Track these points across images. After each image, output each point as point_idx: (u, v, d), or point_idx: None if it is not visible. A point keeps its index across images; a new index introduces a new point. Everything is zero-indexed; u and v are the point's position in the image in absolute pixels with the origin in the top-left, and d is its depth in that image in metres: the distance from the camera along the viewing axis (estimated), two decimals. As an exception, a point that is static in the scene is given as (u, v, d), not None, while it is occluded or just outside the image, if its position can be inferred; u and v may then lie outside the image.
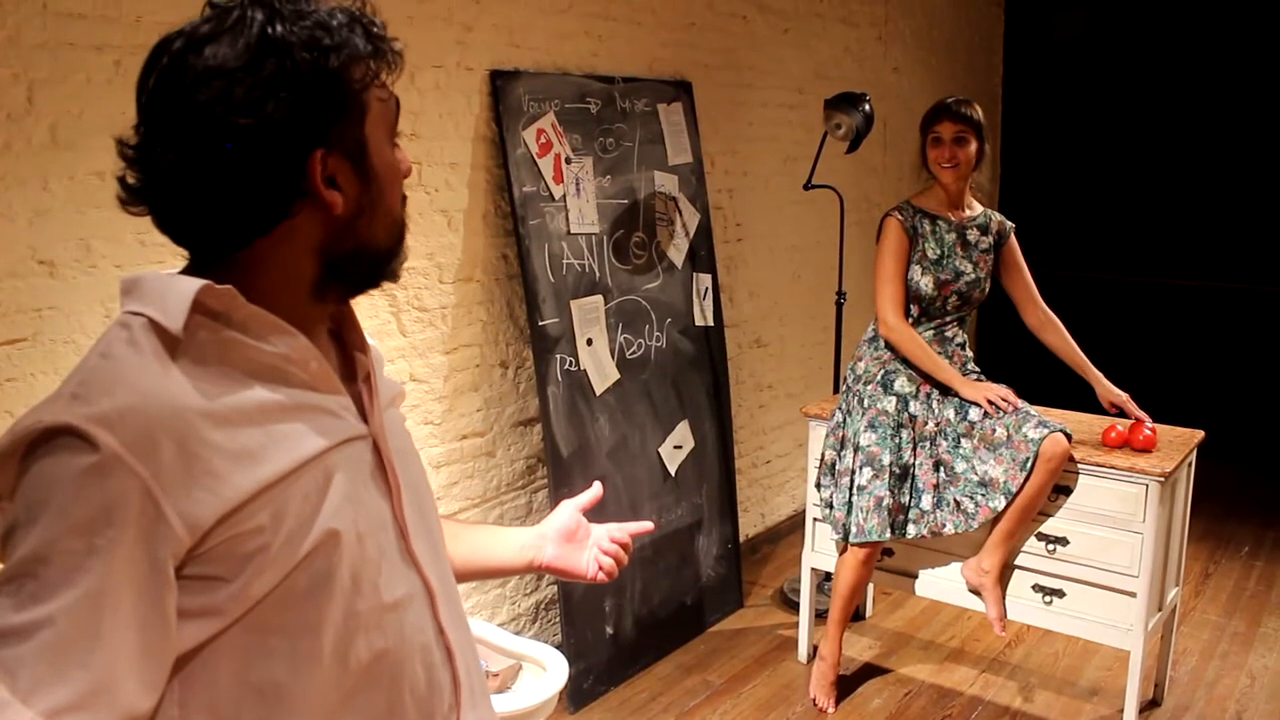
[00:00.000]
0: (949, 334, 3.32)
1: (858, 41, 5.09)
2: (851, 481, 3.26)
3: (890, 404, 3.24)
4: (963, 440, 3.20)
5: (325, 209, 0.98)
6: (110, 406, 0.88)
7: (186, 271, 1.00)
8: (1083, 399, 3.49)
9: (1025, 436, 3.06)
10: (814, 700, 3.43)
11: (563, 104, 3.38)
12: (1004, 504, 3.08)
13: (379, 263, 1.06)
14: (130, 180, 0.97)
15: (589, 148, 3.46)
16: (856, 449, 3.25)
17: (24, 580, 0.85)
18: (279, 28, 0.94)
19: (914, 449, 3.24)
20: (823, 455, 3.41)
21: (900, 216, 3.27)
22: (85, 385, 0.90)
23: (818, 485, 3.42)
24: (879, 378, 3.29)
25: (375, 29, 1.00)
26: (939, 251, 3.26)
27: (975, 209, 3.36)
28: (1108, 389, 3.35)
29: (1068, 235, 6.54)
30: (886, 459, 3.21)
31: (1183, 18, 6.08)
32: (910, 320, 3.28)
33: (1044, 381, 3.70)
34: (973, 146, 3.23)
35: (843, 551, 3.35)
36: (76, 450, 0.86)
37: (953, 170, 3.24)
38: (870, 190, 5.31)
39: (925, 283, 3.23)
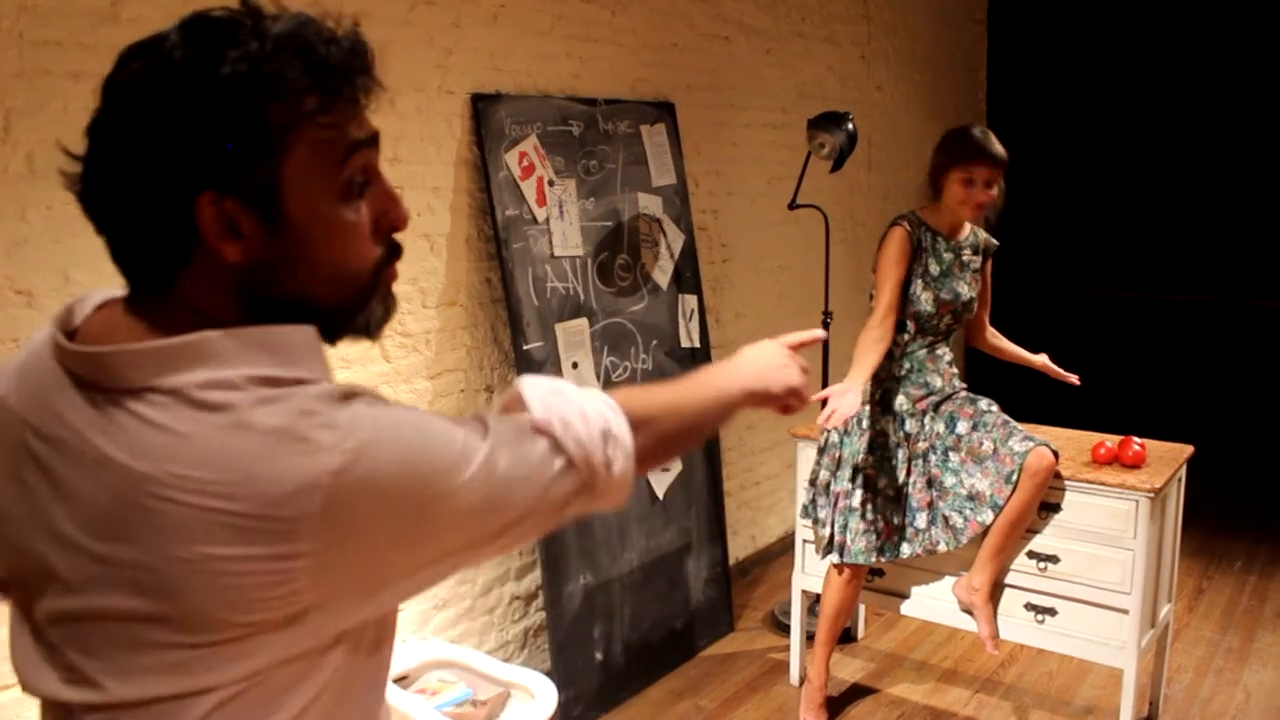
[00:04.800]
0: (939, 352, 3.30)
1: (840, 61, 5.10)
2: (846, 502, 3.24)
3: (889, 423, 3.23)
4: (950, 454, 3.19)
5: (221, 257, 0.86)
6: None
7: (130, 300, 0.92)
8: (1071, 416, 3.49)
9: (1011, 450, 3.05)
10: None
11: (545, 126, 3.37)
12: (992, 518, 3.07)
13: (331, 319, 0.93)
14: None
15: (572, 170, 3.45)
16: (855, 470, 3.23)
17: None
18: (185, 52, 0.82)
19: (908, 467, 3.23)
20: (816, 475, 3.38)
21: (907, 228, 3.19)
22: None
23: (811, 504, 3.39)
24: (877, 397, 3.25)
25: (315, 56, 0.85)
26: (939, 269, 3.24)
27: (967, 228, 3.34)
28: (1034, 358, 3.48)
29: (1056, 252, 6.56)
30: (882, 482, 3.20)
31: (1167, 34, 6.12)
32: (907, 336, 3.24)
33: (1032, 398, 3.70)
34: (997, 188, 3.14)
35: (829, 571, 3.34)
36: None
37: (975, 211, 3.16)
38: (855, 209, 5.31)
39: (926, 299, 3.20)
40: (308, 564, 0.80)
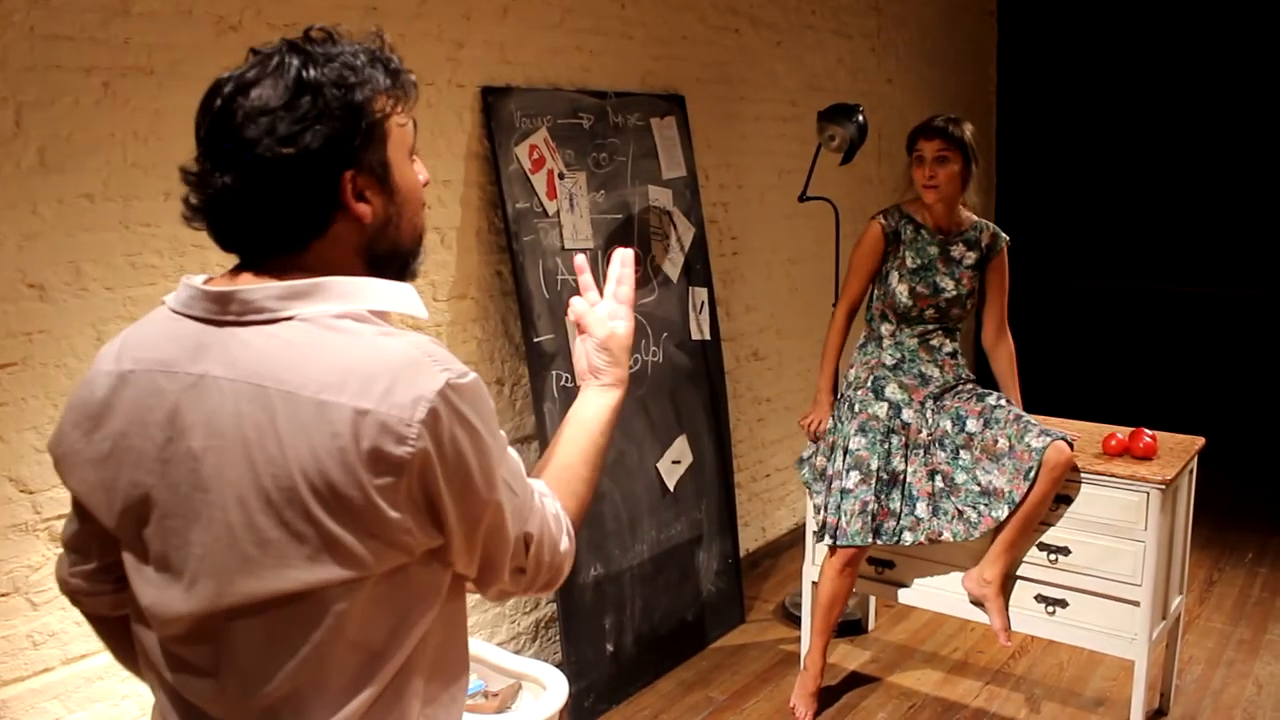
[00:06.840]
0: (934, 343, 3.31)
1: (851, 53, 5.09)
2: (839, 484, 3.26)
3: (881, 409, 3.24)
4: (962, 452, 3.18)
5: (358, 219, 1.14)
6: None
7: (238, 269, 1.15)
8: (1082, 408, 3.48)
9: (1028, 446, 3.04)
10: (793, 709, 3.40)
11: (555, 119, 3.37)
12: (1007, 513, 3.06)
13: (407, 261, 1.23)
14: (192, 200, 1.12)
15: (582, 163, 3.45)
16: (846, 452, 3.25)
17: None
18: (312, 71, 1.09)
19: (906, 456, 3.23)
20: (814, 458, 3.42)
21: (884, 221, 3.30)
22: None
23: (809, 482, 3.44)
24: (869, 383, 3.30)
25: (393, 65, 1.16)
26: (919, 261, 3.26)
27: (965, 222, 3.34)
28: None
29: (1065, 244, 6.53)
30: (874, 464, 3.20)
31: (1176, 27, 6.09)
32: (890, 327, 3.32)
33: (1042, 390, 3.69)
34: (955, 166, 3.19)
35: (824, 560, 3.34)
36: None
37: (934, 191, 3.21)
38: (865, 202, 5.30)
39: (901, 291, 3.24)
40: (409, 470, 1.02)
